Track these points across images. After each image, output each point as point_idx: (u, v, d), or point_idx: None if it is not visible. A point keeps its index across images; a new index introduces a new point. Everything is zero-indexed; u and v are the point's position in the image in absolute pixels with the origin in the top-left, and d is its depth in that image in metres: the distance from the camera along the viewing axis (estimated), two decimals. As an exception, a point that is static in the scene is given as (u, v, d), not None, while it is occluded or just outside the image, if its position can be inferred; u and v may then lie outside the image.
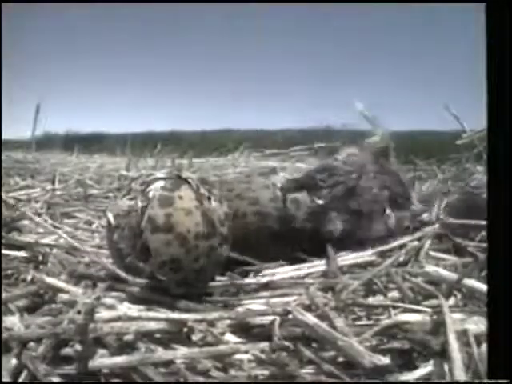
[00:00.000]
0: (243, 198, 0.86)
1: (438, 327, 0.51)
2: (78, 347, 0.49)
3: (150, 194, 0.68)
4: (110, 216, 0.72)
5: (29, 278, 0.75)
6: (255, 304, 0.66)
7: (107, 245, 0.79)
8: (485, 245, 0.85)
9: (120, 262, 0.73)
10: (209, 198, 0.71)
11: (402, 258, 0.80)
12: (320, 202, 0.89)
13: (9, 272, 0.80)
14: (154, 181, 0.71)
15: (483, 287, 0.57)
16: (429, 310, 0.57)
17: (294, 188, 0.88)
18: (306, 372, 0.48)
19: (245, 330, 0.57)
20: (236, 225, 0.75)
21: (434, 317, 0.53)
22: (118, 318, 0.54)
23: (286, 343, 0.51)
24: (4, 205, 1.17)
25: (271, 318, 0.56)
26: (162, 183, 0.70)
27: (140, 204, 0.68)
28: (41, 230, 1.08)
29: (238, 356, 0.51)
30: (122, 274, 0.69)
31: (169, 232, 0.64)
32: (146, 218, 0.65)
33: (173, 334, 0.55)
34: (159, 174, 0.73)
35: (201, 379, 0.48)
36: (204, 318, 0.56)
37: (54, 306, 0.64)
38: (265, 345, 0.52)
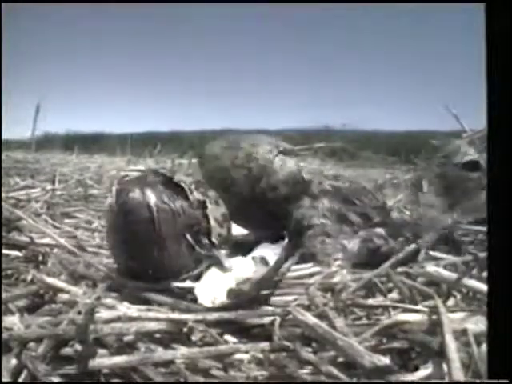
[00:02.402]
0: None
1: (438, 327, 0.51)
2: (78, 347, 0.49)
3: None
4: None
5: (29, 278, 0.75)
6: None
7: (110, 240, 0.78)
8: (485, 244, 0.85)
9: (121, 262, 0.72)
10: (204, 202, 0.70)
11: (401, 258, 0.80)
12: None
13: (9, 272, 0.80)
14: (150, 184, 0.70)
15: (483, 287, 0.57)
16: (428, 310, 0.57)
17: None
18: (306, 372, 0.48)
19: (245, 330, 0.57)
20: None
21: (434, 317, 0.53)
22: (118, 319, 0.54)
23: (286, 343, 0.51)
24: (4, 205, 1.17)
25: (271, 318, 0.56)
26: (161, 188, 0.69)
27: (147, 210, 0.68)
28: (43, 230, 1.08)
29: (237, 356, 0.51)
30: (119, 275, 0.69)
31: None
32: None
33: (173, 334, 0.55)
34: (153, 177, 0.72)
35: (201, 379, 0.48)
36: (204, 318, 0.56)
37: (54, 306, 0.64)
38: (265, 345, 0.52)
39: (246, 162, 0.89)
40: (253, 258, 0.67)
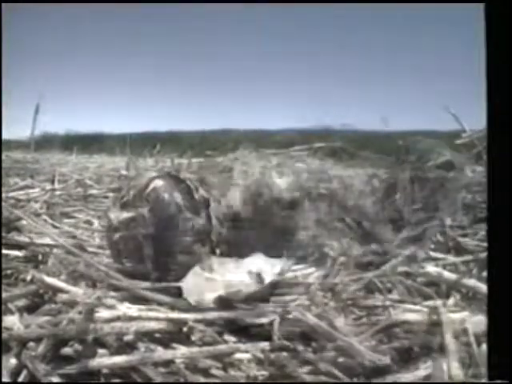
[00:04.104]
0: None
1: (438, 327, 0.51)
2: (78, 347, 0.49)
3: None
4: (113, 216, 0.71)
5: (28, 277, 0.75)
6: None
7: (108, 246, 0.78)
8: (485, 244, 0.85)
9: (121, 263, 0.72)
10: (207, 200, 0.70)
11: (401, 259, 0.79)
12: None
13: (8, 272, 0.80)
14: (152, 180, 0.71)
15: (483, 287, 0.57)
16: (428, 310, 0.57)
17: None
18: (306, 372, 0.48)
19: (244, 329, 0.57)
20: None
21: (434, 317, 0.53)
22: (118, 318, 0.54)
23: (286, 343, 0.51)
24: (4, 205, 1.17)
25: (271, 317, 0.56)
26: (160, 182, 0.69)
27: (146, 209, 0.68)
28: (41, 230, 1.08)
29: (237, 355, 0.51)
30: (118, 276, 0.69)
31: None
32: None
33: (173, 334, 0.55)
34: (155, 174, 0.73)
35: (201, 379, 0.48)
36: (204, 317, 0.56)
37: (53, 305, 0.64)
38: (265, 344, 0.52)
39: (242, 180, 0.87)
40: (249, 272, 0.67)
